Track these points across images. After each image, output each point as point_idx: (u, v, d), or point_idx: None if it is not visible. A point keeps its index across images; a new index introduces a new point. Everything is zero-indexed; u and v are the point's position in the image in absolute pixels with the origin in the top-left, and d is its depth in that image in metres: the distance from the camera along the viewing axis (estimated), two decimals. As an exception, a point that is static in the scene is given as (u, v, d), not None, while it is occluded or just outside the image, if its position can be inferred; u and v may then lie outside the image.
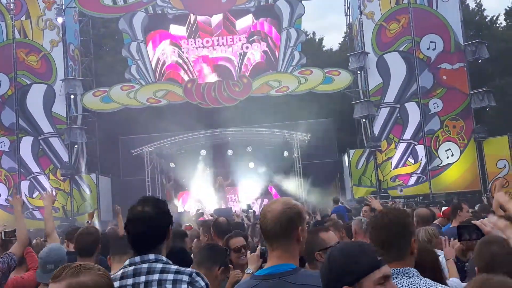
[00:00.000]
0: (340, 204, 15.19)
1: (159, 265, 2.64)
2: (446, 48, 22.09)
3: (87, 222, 7.15)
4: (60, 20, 22.17)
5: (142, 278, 2.61)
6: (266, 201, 22.45)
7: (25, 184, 21.74)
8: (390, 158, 21.87)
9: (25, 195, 21.56)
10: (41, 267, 4.33)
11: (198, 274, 2.67)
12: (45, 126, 22.07)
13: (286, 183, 22.43)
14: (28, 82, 22.25)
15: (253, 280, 2.52)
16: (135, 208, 2.76)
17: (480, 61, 22.40)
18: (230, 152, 23.44)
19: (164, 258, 2.69)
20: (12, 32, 22.38)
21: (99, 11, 23.48)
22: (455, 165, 21.65)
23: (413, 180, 21.66)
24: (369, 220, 2.61)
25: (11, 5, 22.50)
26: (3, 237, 5.21)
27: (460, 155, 21.70)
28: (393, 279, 2.31)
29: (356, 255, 1.94)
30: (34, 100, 22.08)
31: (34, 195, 21.67)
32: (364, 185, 21.75)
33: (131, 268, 2.65)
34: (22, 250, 4.32)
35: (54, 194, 5.52)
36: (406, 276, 2.42)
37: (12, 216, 19.97)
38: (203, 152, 23.32)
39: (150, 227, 2.69)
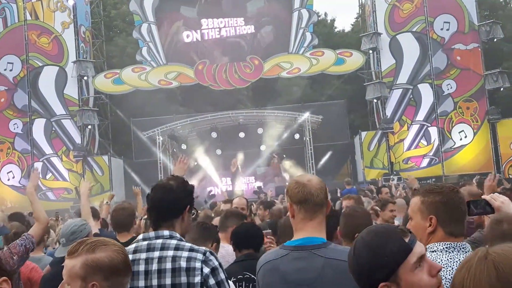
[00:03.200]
0: (353, 186, 15.12)
1: (174, 242, 2.65)
2: (460, 29, 21.78)
3: (106, 202, 7.23)
4: (71, 2, 22.16)
5: (156, 254, 2.61)
6: (276, 181, 22.52)
7: (38, 166, 21.89)
8: (403, 140, 21.73)
9: (38, 172, 21.74)
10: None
11: (211, 253, 2.67)
12: (58, 108, 22.18)
13: (297, 165, 22.41)
14: (40, 64, 22.32)
15: (283, 250, 2.52)
16: (161, 180, 2.84)
17: (495, 40, 22.06)
18: (241, 134, 23.46)
19: (178, 235, 2.69)
20: (23, 14, 22.39)
21: (109, -8, 23.44)
22: (468, 147, 21.48)
23: (425, 162, 21.54)
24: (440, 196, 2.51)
25: (22, -14, 22.48)
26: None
27: (474, 136, 21.51)
28: (450, 253, 2.32)
29: (383, 245, 1.71)
30: (46, 82, 22.18)
31: (47, 177, 21.87)
32: (376, 167, 21.66)
33: (145, 243, 2.65)
34: (42, 231, 4.32)
35: (89, 184, 5.62)
36: (462, 251, 2.38)
37: (25, 197, 20.26)
38: (214, 134, 23.36)
39: (169, 197, 2.71)
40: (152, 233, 2.68)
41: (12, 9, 22.53)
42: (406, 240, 1.72)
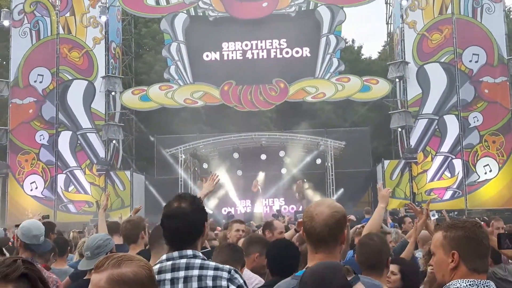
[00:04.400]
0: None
1: (198, 261, 2.66)
2: (489, 61, 21.61)
3: (120, 217, 7.29)
4: (103, 18, 22.58)
5: (181, 273, 2.62)
6: (295, 207, 22.43)
7: (61, 178, 22.21)
8: (426, 170, 21.48)
9: (61, 188, 22.04)
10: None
11: (236, 271, 2.69)
12: (84, 122, 22.51)
13: (318, 190, 22.31)
14: (70, 78, 22.75)
15: (293, 280, 2.52)
16: (172, 204, 2.78)
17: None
18: (263, 156, 23.48)
19: (201, 254, 2.71)
20: (56, 28, 22.92)
21: (142, 10, 23.87)
22: (492, 182, 21.13)
23: (448, 194, 21.23)
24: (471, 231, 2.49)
25: (57, 1, 23.02)
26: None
27: (499, 171, 21.17)
28: None
29: (329, 278, 1.93)
30: (75, 95, 22.57)
31: (70, 189, 22.12)
32: (398, 197, 21.41)
33: (169, 263, 2.66)
34: None
35: (107, 201, 5.91)
36: None
37: (46, 208, 20.49)
38: (236, 155, 23.42)
39: (186, 223, 2.71)
40: (175, 253, 2.69)
41: (45, 23, 23.08)
42: (349, 278, 1.94)
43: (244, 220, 7.50)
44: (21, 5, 23.03)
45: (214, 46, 23.50)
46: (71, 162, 22.34)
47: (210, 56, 23.47)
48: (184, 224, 2.70)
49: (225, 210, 22.43)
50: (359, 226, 5.64)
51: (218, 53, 23.50)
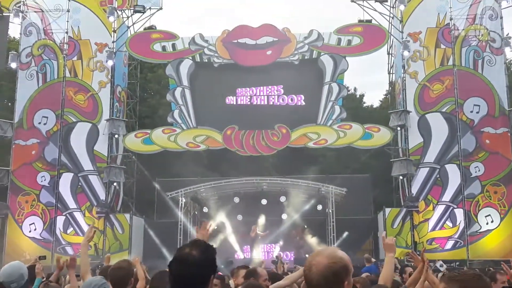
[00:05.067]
0: (372, 263, 14.78)
1: None
2: (490, 112, 21.80)
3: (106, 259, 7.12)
4: (110, 62, 22.97)
5: None
6: (289, 254, 22.20)
7: (60, 220, 22.10)
8: (428, 219, 21.35)
9: (60, 230, 21.92)
10: None
11: None
12: (86, 164, 22.57)
13: (318, 237, 22.12)
14: (74, 120, 22.96)
15: None
16: (183, 249, 2.71)
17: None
18: (264, 201, 23.40)
19: None
20: (63, 71, 23.28)
21: (148, 56, 24.31)
22: (494, 232, 20.96)
23: (450, 244, 21.03)
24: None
25: (65, 45, 23.47)
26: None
27: (500, 222, 21.04)
28: None
29: None
30: (78, 137, 22.72)
31: (68, 231, 21.99)
32: (399, 246, 21.15)
33: None
34: None
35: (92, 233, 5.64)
36: None
37: (43, 250, 20.33)
38: (236, 200, 23.35)
39: (194, 271, 2.64)
40: None
41: (52, 66, 23.47)
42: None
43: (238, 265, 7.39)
44: (29, 48, 23.49)
45: (220, 91, 23.77)
46: (71, 204, 22.28)
47: (215, 100, 23.70)
48: (191, 272, 2.64)
49: (224, 256, 22.19)
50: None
51: (222, 98, 23.74)
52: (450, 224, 21.24)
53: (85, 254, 5.72)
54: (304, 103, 23.55)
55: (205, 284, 2.70)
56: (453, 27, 22.59)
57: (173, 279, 2.68)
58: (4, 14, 23.38)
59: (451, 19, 22.65)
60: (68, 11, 23.68)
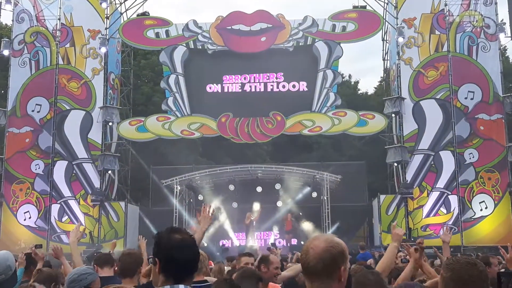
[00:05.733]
0: (366, 250, 14.88)
1: None
2: (485, 99, 21.81)
3: (109, 251, 7.07)
4: (103, 49, 22.79)
5: None
6: (293, 240, 22.33)
7: (55, 208, 22.05)
8: (422, 206, 21.44)
9: (54, 218, 21.90)
10: None
11: None
12: (80, 152, 22.48)
13: (313, 224, 22.19)
14: (68, 108, 22.82)
15: None
16: (174, 236, 2.74)
17: (519, 113, 22.03)
18: (259, 189, 23.45)
19: None
20: (56, 58, 23.10)
21: (141, 43, 24.14)
22: (488, 218, 21.07)
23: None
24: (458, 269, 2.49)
25: (57, 32, 23.26)
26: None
27: (494, 208, 21.14)
28: None
29: None
30: (72, 125, 22.60)
31: (63, 219, 21.96)
32: (393, 232, 21.28)
33: None
34: None
35: (80, 233, 5.58)
36: None
37: (38, 238, 20.33)
38: (231, 187, 23.38)
39: (196, 254, 2.73)
40: (181, 286, 2.66)
41: (45, 53, 23.27)
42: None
43: (239, 252, 7.39)
44: (22, 35, 23.26)
45: (212, 78, 23.67)
46: (66, 192, 22.21)
47: (215, 88, 23.60)
48: (193, 255, 2.72)
49: (220, 243, 22.29)
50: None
51: (217, 85, 23.65)
52: (444, 211, 21.34)
53: (76, 252, 5.64)
54: (301, 90, 23.44)
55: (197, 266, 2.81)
56: (447, 13, 22.51)
57: (177, 266, 2.69)
58: (-5, 1, 23.13)
59: (445, 5, 22.57)
60: (61, -3, 23.45)
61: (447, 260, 2.66)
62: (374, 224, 23.04)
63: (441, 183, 21.50)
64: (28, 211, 22.02)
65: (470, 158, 21.50)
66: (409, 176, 21.67)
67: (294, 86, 23.51)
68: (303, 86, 23.49)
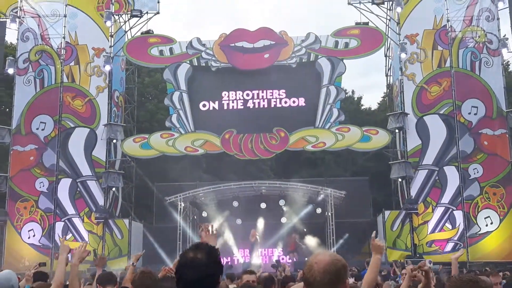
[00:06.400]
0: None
1: None
2: (488, 114, 21.81)
3: (132, 264, 6.80)
4: (107, 67, 22.91)
5: None
6: (296, 257, 22.22)
7: (59, 225, 22.02)
8: (427, 222, 21.34)
9: (58, 236, 21.84)
10: None
11: None
12: (84, 169, 22.51)
13: (318, 240, 22.09)
14: (72, 125, 22.90)
15: None
16: (188, 254, 2.74)
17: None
18: (263, 205, 23.38)
19: None
20: (60, 76, 23.24)
21: (146, 60, 24.27)
22: (494, 234, 20.95)
23: (450, 246, 21.00)
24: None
25: (62, 50, 23.43)
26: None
27: (500, 223, 21.03)
28: None
29: None
30: (76, 143, 22.66)
31: (67, 237, 21.83)
32: (399, 248, 21.20)
33: None
34: None
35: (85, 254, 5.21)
36: None
37: (43, 256, 20.29)
38: (235, 204, 23.32)
39: (202, 275, 2.67)
40: None
41: (50, 71, 23.43)
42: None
43: (243, 270, 7.40)
44: (27, 53, 23.44)
45: (216, 95, 23.75)
46: (70, 209, 22.20)
47: (211, 105, 23.67)
48: (199, 276, 2.66)
49: (223, 260, 22.16)
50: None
51: (219, 102, 23.72)
52: (450, 226, 21.23)
53: (75, 275, 5.07)
54: (304, 104, 23.48)
55: (215, 285, 2.73)
56: (450, 28, 22.62)
57: (183, 284, 2.70)
58: (1, 19, 23.33)
59: (448, 20, 22.68)
60: (65, 16, 23.66)
61: (451, 278, 2.66)
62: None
63: (446, 199, 21.42)
64: (32, 229, 22.00)
65: (474, 173, 21.43)
66: (413, 192, 21.60)
67: (294, 102, 23.56)
68: (301, 101, 23.52)
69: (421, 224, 21.35)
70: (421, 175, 21.75)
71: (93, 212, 21.99)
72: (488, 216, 21.08)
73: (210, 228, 3.96)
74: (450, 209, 21.32)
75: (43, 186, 22.35)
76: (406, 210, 21.40)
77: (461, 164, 21.45)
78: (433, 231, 21.29)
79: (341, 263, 2.45)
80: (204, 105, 23.64)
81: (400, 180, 22.20)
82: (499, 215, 21.08)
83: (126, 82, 25.42)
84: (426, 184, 21.69)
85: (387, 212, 21.84)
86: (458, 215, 21.19)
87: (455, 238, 21.06)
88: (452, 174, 21.54)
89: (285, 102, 23.62)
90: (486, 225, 21.03)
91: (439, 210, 21.38)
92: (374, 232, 5.08)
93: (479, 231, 21.05)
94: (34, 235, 21.92)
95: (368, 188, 25.73)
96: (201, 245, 2.81)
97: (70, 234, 21.93)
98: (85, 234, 21.89)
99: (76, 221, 22.10)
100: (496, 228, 20.99)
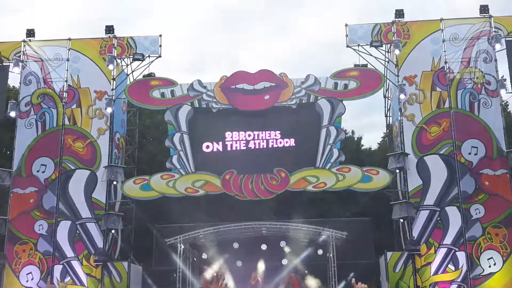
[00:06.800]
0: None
1: None
2: (488, 154, 21.83)
3: None
4: (109, 110, 23.08)
5: None
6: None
7: (57, 268, 21.77)
8: (430, 263, 21.10)
9: (57, 279, 21.60)
10: None
11: None
12: (84, 211, 22.39)
13: (320, 282, 21.84)
14: (72, 168, 22.92)
15: None
16: None
17: (524, 168, 21.95)
18: (263, 247, 23.22)
19: None
20: (62, 119, 23.40)
21: (147, 103, 24.44)
22: (497, 275, 20.69)
23: (453, 288, 20.72)
24: None
25: (64, 93, 23.67)
26: None
27: (503, 264, 20.79)
28: None
29: None
30: (76, 185, 22.61)
31: (66, 280, 21.66)
32: (402, 291, 20.89)
33: None
34: None
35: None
36: None
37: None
38: (236, 245, 23.16)
39: None
40: None
41: (51, 114, 23.60)
42: None
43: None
44: (29, 97, 23.65)
45: (219, 136, 23.84)
46: (69, 252, 21.98)
47: (214, 146, 23.73)
48: None
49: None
50: None
51: (223, 142, 23.78)
52: (453, 268, 20.99)
53: None
54: (294, 144, 23.49)
55: None
56: (448, 70, 22.88)
57: None
58: (4, 64, 23.66)
59: (445, 62, 22.95)
60: (68, 60, 23.99)
61: None
62: (381, 282, 22.62)
63: (448, 239, 21.23)
64: (30, 272, 21.74)
65: (476, 214, 21.31)
66: (415, 232, 21.43)
67: (294, 143, 23.64)
68: (301, 142, 23.59)
69: (424, 266, 21.11)
70: (423, 215, 21.62)
71: (92, 255, 21.78)
72: (491, 257, 20.85)
73: (221, 280, 3.93)
74: (453, 250, 21.11)
75: (42, 228, 22.20)
76: (409, 251, 21.18)
77: (462, 205, 21.36)
78: (436, 272, 21.04)
79: None
80: (207, 146, 23.71)
81: (401, 220, 22.05)
82: (502, 256, 20.87)
83: (127, 124, 25.57)
84: (428, 224, 21.54)
85: (389, 253, 21.59)
86: (461, 256, 20.97)
87: (459, 280, 20.79)
88: (454, 215, 21.41)
89: (286, 142, 23.69)
90: (489, 266, 20.80)
91: (442, 251, 21.16)
92: (352, 273, 5.06)
93: (482, 272, 20.80)
94: (32, 279, 21.64)
95: (370, 229, 25.58)
96: None
97: (69, 277, 21.68)
98: (83, 277, 21.62)
99: (75, 263, 21.85)
100: (500, 269, 20.74)
